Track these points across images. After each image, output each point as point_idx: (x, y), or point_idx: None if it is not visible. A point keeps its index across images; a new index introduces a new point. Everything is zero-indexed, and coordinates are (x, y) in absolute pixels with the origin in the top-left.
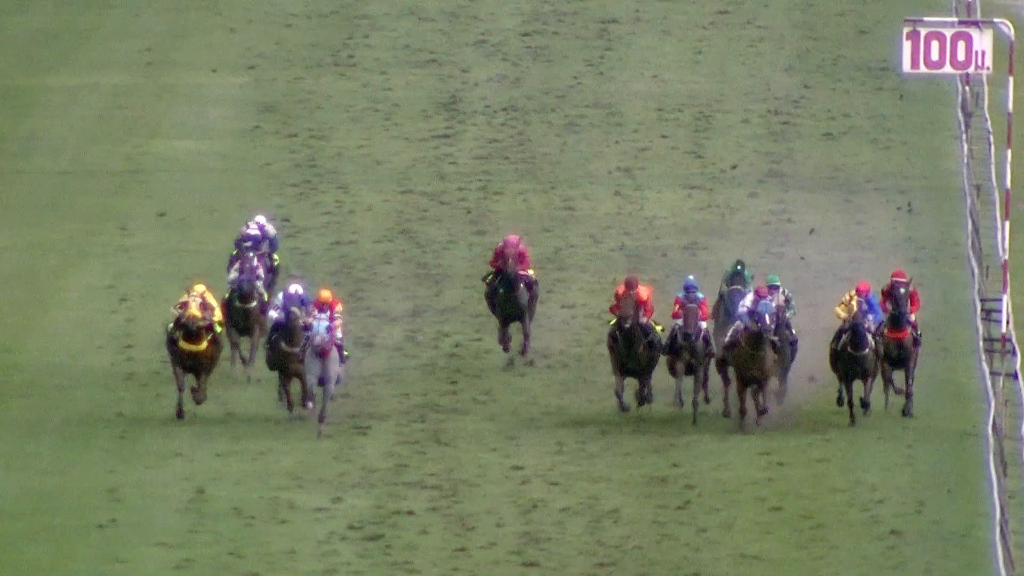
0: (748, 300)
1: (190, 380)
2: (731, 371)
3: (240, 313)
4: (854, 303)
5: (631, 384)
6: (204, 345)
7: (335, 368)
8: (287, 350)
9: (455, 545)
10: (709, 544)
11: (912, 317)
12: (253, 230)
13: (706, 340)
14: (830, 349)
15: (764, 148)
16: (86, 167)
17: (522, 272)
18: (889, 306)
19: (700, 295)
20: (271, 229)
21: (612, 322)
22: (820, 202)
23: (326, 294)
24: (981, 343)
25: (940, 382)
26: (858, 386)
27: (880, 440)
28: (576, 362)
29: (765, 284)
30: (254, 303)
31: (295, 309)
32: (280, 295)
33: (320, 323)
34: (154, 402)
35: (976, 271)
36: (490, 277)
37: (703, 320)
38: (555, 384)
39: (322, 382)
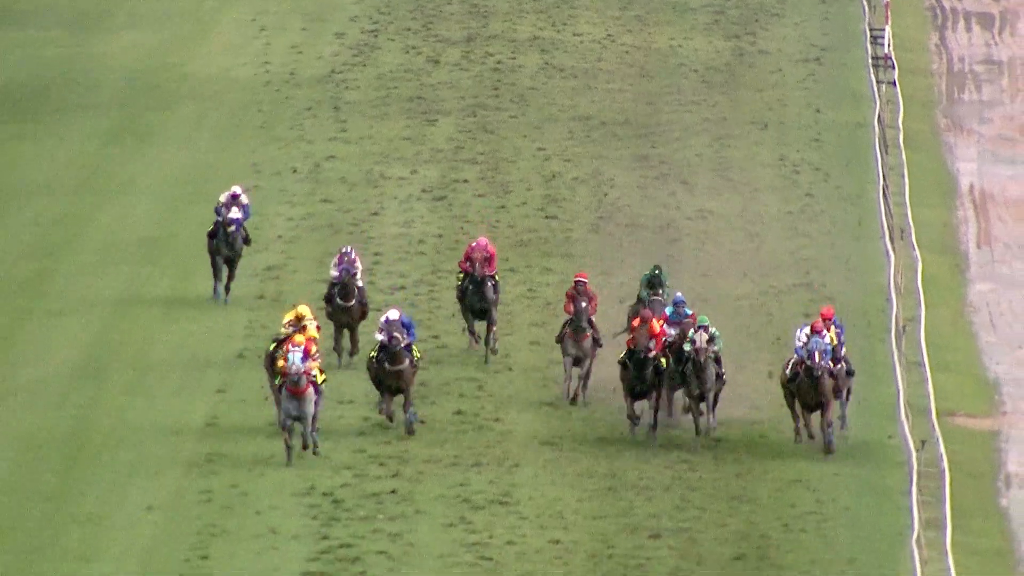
0: (803, 334)
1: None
2: (796, 402)
3: (341, 310)
4: (832, 333)
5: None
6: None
7: (311, 405)
8: (390, 369)
9: (498, 204)
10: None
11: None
12: (235, 213)
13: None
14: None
15: None
16: None
17: (489, 272)
18: (571, 310)
19: (688, 311)
20: (245, 199)
21: (624, 353)
22: None
23: (300, 338)
24: (870, 60)
25: (840, 88)
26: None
27: (798, 129)
28: (583, 73)
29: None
30: (353, 301)
31: (397, 334)
32: (382, 319)
33: (295, 354)
34: (284, 103)
35: (866, 7)
36: (461, 277)
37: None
38: (568, 89)
39: (299, 419)
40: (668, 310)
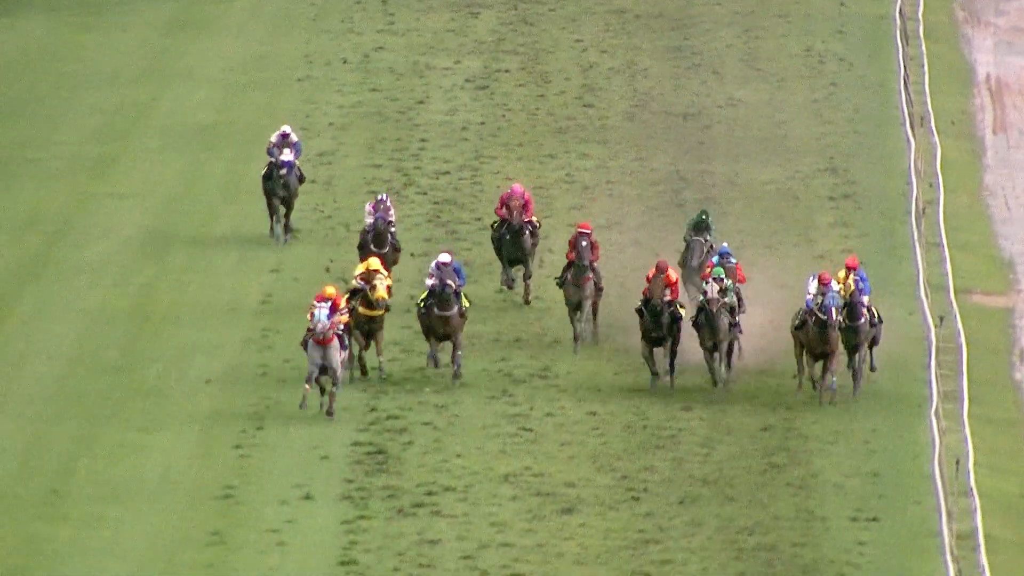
0: (812, 287)
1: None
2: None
3: (375, 256)
4: (850, 280)
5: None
6: (381, 311)
7: (337, 357)
8: (439, 314)
9: (537, 93)
10: None
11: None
12: (287, 155)
13: (738, 298)
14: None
15: None
16: None
17: (526, 219)
18: (573, 256)
19: (734, 260)
20: (294, 137)
21: (641, 302)
22: None
23: (331, 290)
24: None
25: None
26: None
27: (823, 21)
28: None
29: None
30: (387, 248)
31: (450, 281)
32: (433, 263)
33: (321, 311)
34: None
35: None
36: (496, 224)
37: (741, 282)
38: None
39: (324, 370)
40: (715, 259)
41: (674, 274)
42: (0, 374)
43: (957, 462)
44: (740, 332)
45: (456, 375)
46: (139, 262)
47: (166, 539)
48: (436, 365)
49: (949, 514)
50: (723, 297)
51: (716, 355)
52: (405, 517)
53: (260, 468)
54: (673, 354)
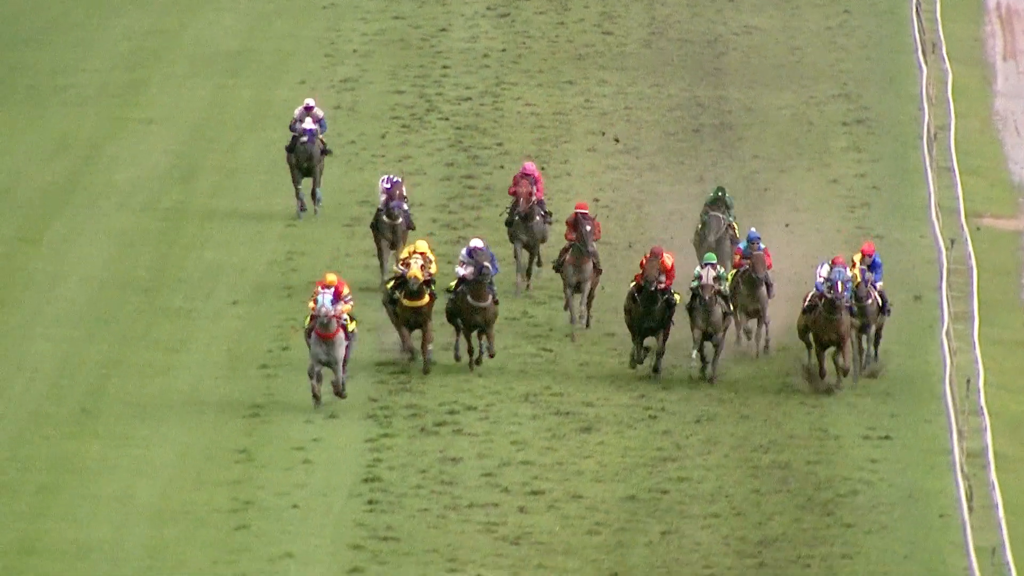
0: (824, 270)
1: (415, 335)
2: (811, 336)
3: (388, 228)
4: (857, 271)
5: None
6: (425, 299)
7: (341, 350)
8: (473, 303)
9: (557, 20)
10: None
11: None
12: (309, 124)
13: (768, 284)
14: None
15: None
16: None
17: (537, 199)
18: (574, 236)
19: (763, 246)
20: (319, 111)
21: (633, 284)
22: None
23: (332, 277)
24: None
25: None
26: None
27: None
28: None
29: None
30: (400, 219)
31: (487, 264)
32: (464, 250)
33: (324, 296)
34: None
35: None
36: (509, 209)
37: (768, 268)
38: None
39: (328, 364)
40: (742, 245)
41: (669, 259)
42: (32, 296)
43: (968, 382)
44: (731, 321)
45: (490, 355)
46: (167, 186)
47: (194, 456)
48: (459, 358)
49: (959, 432)
50: (717, 284)
51: (707, 344)
52: (428, 435)
53: (286, 387)
54: (664, 342)
